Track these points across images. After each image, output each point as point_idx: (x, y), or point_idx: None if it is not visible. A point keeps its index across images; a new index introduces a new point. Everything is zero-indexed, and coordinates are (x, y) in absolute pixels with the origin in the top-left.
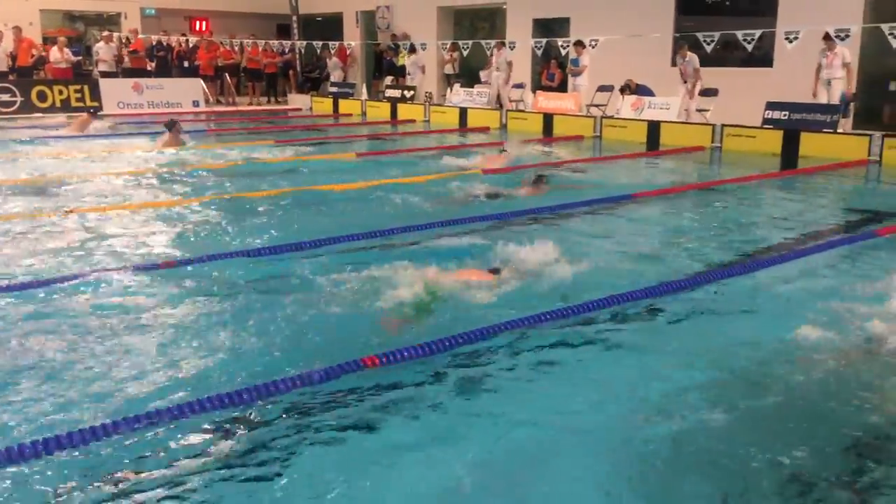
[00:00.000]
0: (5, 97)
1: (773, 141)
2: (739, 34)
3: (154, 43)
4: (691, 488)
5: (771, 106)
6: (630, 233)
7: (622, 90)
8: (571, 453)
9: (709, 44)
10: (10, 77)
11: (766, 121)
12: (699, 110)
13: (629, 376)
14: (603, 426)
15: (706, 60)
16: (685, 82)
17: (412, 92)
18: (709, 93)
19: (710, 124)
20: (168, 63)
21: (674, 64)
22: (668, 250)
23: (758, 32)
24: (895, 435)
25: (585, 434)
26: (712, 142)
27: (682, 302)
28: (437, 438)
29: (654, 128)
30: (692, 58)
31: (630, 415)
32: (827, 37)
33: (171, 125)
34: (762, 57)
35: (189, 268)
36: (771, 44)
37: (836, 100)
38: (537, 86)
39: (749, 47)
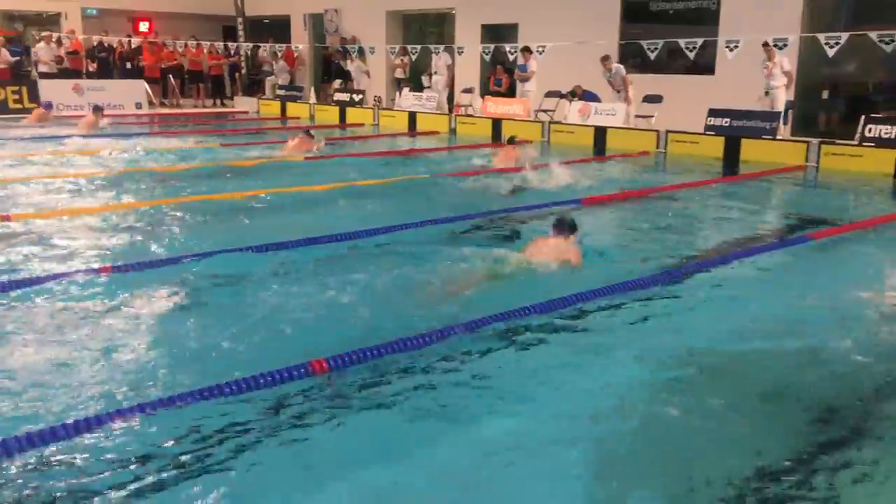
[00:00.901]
0: None
1: (716, 147)
2: (682, 42)
3: (95, 44)
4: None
5: (713, 113)
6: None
7: (569, 96)
8: (539, 450)
9: (653, 51)
10: None
11: (708, 127)
12: (643, 116)
13: (588, 373)
14: (565, 423)
15: (650, 68)
16: (618, 92)
17: (361, 96)
18: (653, 99)
19: (654, 130)
20: (109, 64)
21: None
22: (615, 252)
23: (700, 41)
24: (839, 420)
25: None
26: (657, 147)
27: (622, 303)
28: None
29: (600, 133)
30: (618, 68)
31: (590, 411)
32: (766, 45)
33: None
34: (705, 65)
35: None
36: (713, 52)
37: (779, 107)
38: (486, 91)
39: (691, 55)
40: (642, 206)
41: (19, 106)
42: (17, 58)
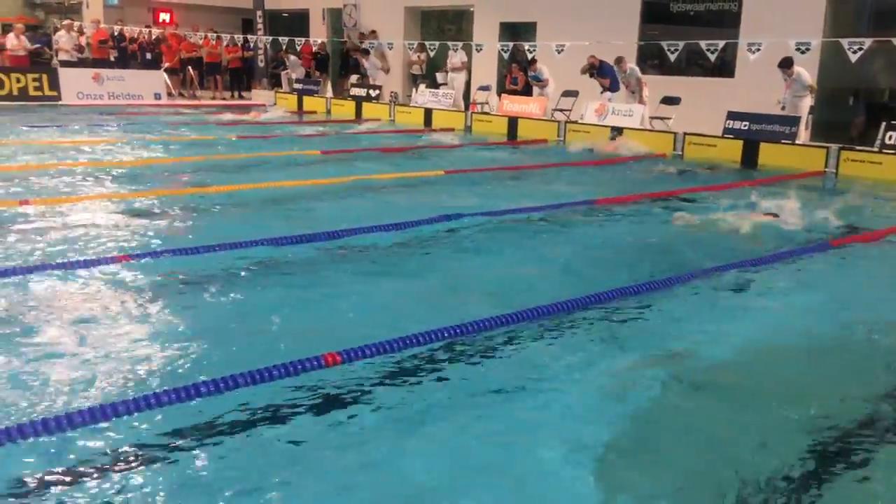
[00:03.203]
0: None
1: (734, 150)
2: (703, 44)
3: (115, 33)
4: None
5: (732, 116)
6: (589, 238)
7: (586, 71)
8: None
9: (673, 52)
10: None
11: (726, 130)
12: (660, 118)
13: (584, 375)
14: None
15: (668, 69)
16: (633, 93)
17: (377, 91)
18: (671, 101)
19: (671, 132)
20: (127, 54)
21: None
22: (627, 255)
23: (721, 43)
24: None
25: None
26: (674, 149)
27: (644, 304)
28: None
29: (616, 133)
30: (633, 69)
31: (582, 415)
32: (782, 64)
33: None
34: (724, 67)
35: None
36: (733, 54)
37: (800, 112)
38: (503, 89)
39: (712, 57)
40: (656, 209)
41: (39, 94)
42: (38, 46)
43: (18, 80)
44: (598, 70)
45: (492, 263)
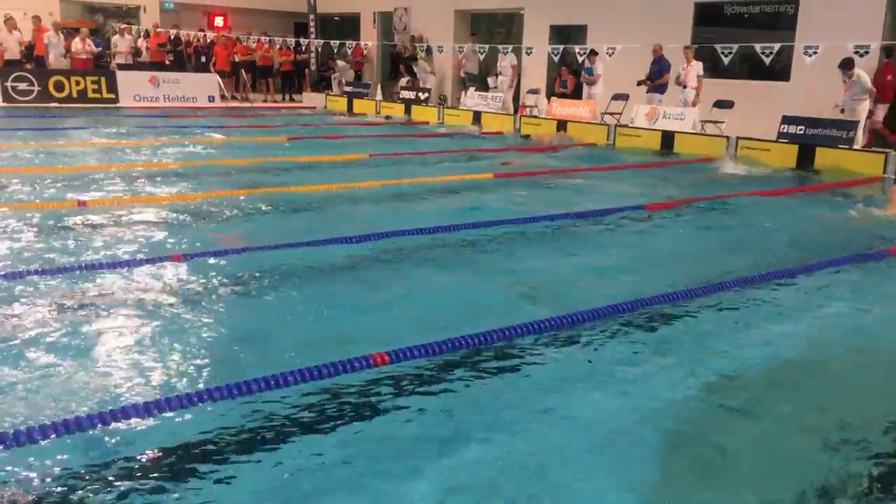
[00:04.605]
0: (23, 85)
1: (788, 155)
2: (758, 47)
3: (172, 37)
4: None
5: (787, 120)
6: (640, 243)
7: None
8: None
9: (727, 55)
10: (27, 66)
11: (781, 134)
12: (712, 122)
13: (638, 381)
14: (614, 428)
15: (721, 72)
16: (684, 87)
17: (427, 94)
18: (723, 105)
19: (724, 136)
20: (183, 57)
21: None
22: (676, 261)
23: (776, 46)
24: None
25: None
26: (726, 154)
27: (690, 310)
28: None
29: (668, 137)
30: (696, 65)
31: (637, 420)
32: (842, 65)
33: None
34: (780, 70)
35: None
36: (789, 57)
37: (858, 117)
38: (552, 92)
39: (767, 60)
40: (707, 213)
41: (98, 96)
42: (99, 48)
43: (78, 83)
44: (657, 62)
45: (551, 267)
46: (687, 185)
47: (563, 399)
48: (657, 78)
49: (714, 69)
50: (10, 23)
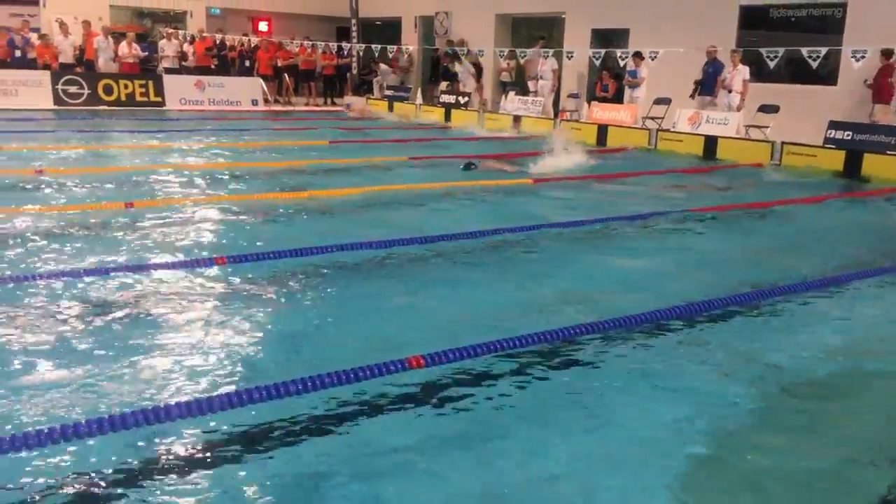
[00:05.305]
0: (73, 89)
1: (835, 161)
2: (804, 51)
3: (217, 41)
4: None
5: (833, 125)
6: (680, 247)
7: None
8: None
9: (772, 59)
10: (77, 69)
11: (827, 140)
12: (757, 126)
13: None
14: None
15: (766, 76)
16: (729, 91)
17: (466, 98)
18: (768, 109)
19: (769, 141)
20: (227, 62)
21: None
22: (716, 268)
23: (824, 50)
24: None
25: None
26: (771, 159)
27: (729, 318)
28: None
29: (711, 142)
30: (742, 69)
31: (682, 425)
32: (888, 53)
33: None
34: (826, 75)
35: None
36: (836, 61)
37: None
38: (592, 96)
39: (814, 65)
40: (751, 219)
41: (145, 99)
42: (146, 53)
43: (126, 87)
44: (711, 64)
45: (591, 270)
46: (730, 190)
47: (603, 403)
48: (712, 81)
49: (759, 73)
50: (64, 28)
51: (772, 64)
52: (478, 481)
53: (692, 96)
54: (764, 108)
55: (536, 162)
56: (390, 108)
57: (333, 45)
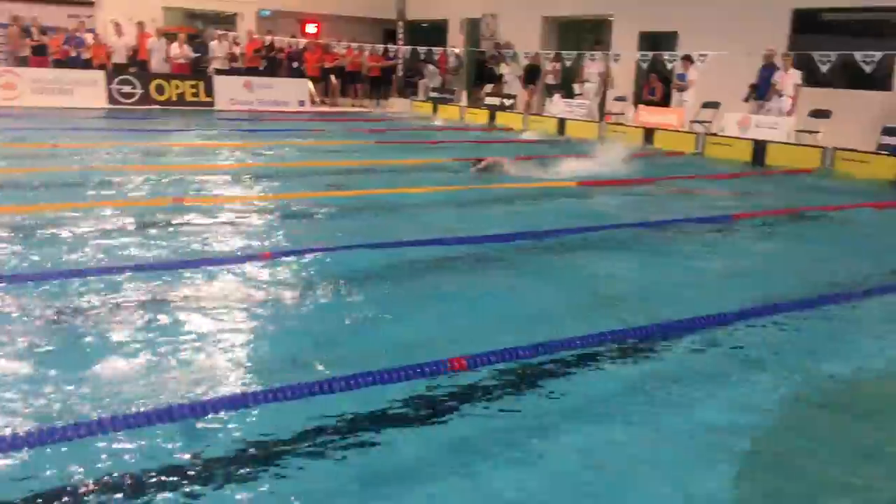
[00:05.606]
0: (126, 88)
1: (889, 167)
2: (858, 55)
3: (266, 43)
4: None
5: (887, 131)
6: (727, 254)
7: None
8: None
9: (825, 64)
10: (131, 69)
11: (880, 146)
12: (808, 131)
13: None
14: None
15: (817, 81)
16: (780, 96)
17: (511, 101)
18: (820, 114)
19: (820, 146)
20: (276, 63)
21: None
22: (764, 274)
23: (879, 55)
24: None
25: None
26: (822, 165)
27: (772, 326)
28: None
29: (760, 147)
30: (794, 73)
31: (726, 433)
32: None
33: None
34: (881, 80)
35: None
36: (891, 66)
37: None
38: (639, 100)
39: (868, 69)
40: (801, 225)
41: (195, 99)
42: (198, 54)
43: (177, 87)
44: (768, 68)
45: (636, 274)
46: (780, 196)
47: (647, 408)
48: (767, 85)
49: (810, 77)
50: (118, 29)
51: (824, 68)
52: (526, 483)
53: (746, 100)
54: (815, 113)
55: (577, 163)
56: (434, 110)
57: (380, 48)
